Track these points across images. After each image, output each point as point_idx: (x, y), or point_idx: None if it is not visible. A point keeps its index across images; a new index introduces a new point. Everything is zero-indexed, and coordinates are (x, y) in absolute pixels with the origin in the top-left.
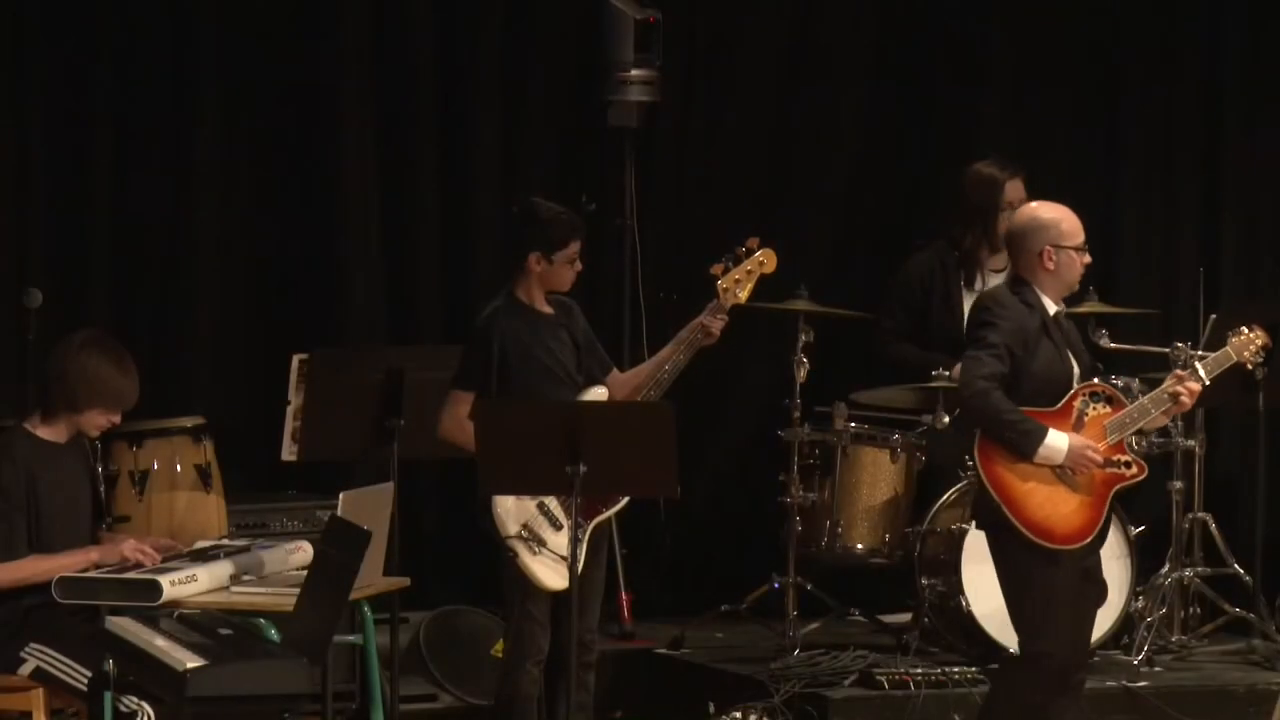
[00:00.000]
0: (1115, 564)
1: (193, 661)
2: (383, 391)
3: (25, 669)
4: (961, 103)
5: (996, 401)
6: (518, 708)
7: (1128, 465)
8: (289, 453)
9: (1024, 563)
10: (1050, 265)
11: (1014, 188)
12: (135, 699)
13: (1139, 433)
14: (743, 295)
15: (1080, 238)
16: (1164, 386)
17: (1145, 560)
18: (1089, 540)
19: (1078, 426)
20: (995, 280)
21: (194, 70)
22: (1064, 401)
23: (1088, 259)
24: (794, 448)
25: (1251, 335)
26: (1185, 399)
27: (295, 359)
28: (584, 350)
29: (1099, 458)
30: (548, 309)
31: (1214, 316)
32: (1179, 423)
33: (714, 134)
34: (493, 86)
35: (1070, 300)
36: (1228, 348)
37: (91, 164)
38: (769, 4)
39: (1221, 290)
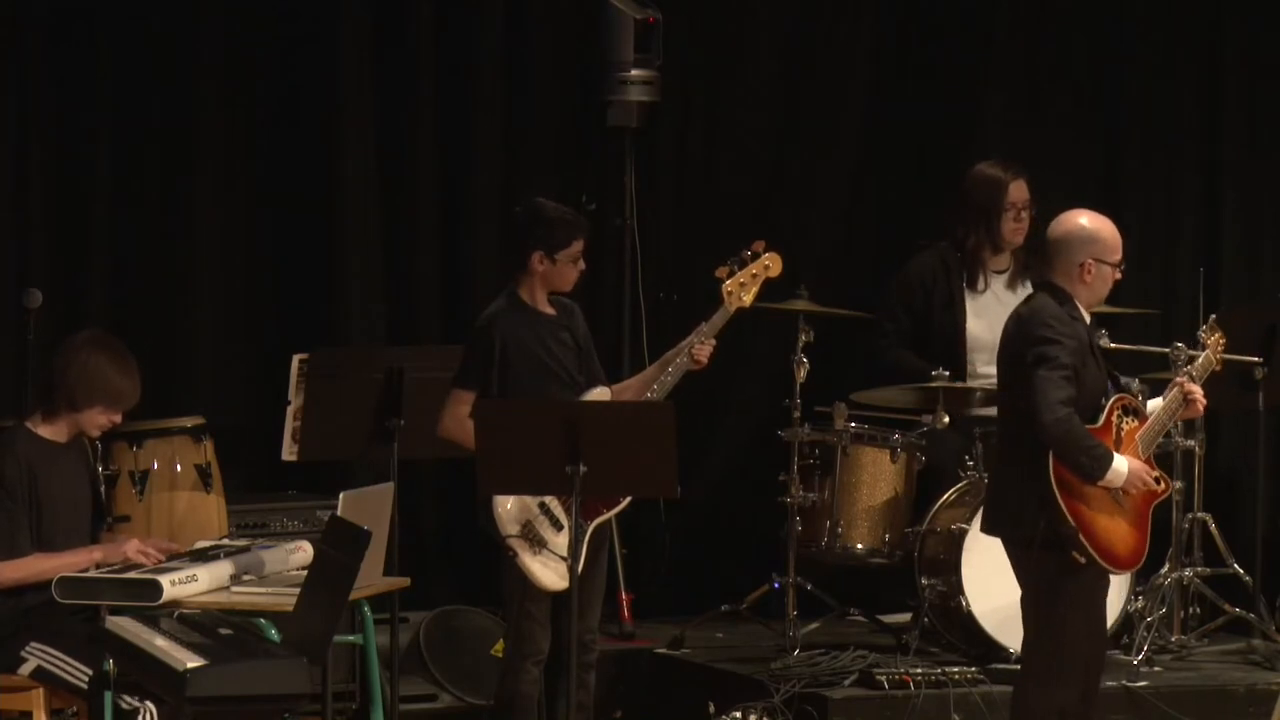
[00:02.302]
0: None
1: (193, 661)
2: (383, 391)
3: (26, 668)
4: (962, 102)
5: (1077, 426)
6: (518, 707)
7: (1158, 481)
8: (289, 453)
9: (1072, 582)
10: (1088, 278)
11: (1018, 188)
12: (136, 698)
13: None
14: (748, 299)
15: (1119, 254)
16: (1173, 395)
17: (1145, 560)
18: (1143, 561)
19: (1118, 443)
20: (997, 281)
21: (194, 70)
22: (1104, 417)
23: (1119, 275)
24: (794, 448)
25: (1219, 335)
26: (1199, 401)
27: (295, 359)
28: (584, 354)
29: (1151, 478)
30: (550, 309)
31: (1214, 316)
32: (1179, 423)
33: (714, 134)
34: (493, 86)
35: None
36: (1208, 350)
37: (91, 164)
38: (769, 4)
39: (1221, 290)
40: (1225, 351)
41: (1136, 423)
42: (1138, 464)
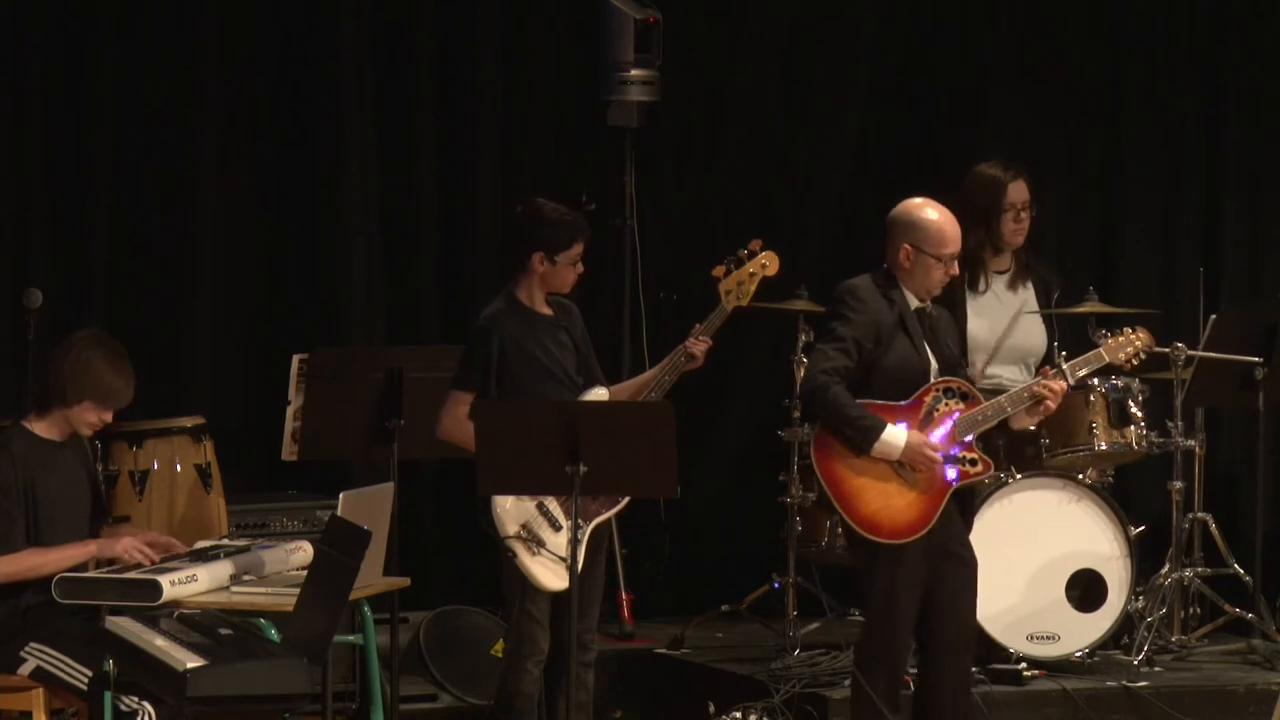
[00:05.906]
0: (1115, 564)
1: (193, 661)
2: (383, 391)
3: (25, 669)
4: (962, 103)
5: (836, 395)
6: (518, 707)
7: (973, 463)
8: (289, 453)
9: (869, 562)
10: (906, 264)
11: (1017, 189)
12: (135, 698)
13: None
14: (745, 298)
15: (947, 249)
16: (1024, 386)
17: (1145, 560)
18: (919, 535)
19: (926, 421)
20: (998, 281)
21: (194, 70)
22: (915, 396)
23: (954, 271)
24: (794, 448)
25: (1131, 337)
26: (1050, 400)
27: (295, 359)
28: (582, 354)
29: (936, 455)
30: (548, 310)
31: (1214, 316)
32: (1179, 423)
33: (714, 134)
34: (493, 86)
35: (1071, 300)
36: (1100, 349)
37: (91, 164)
38: (769, 4)
39: (1221, 290)
40: (1142, 351)
41: (962, 406)
42: (919, 439)
